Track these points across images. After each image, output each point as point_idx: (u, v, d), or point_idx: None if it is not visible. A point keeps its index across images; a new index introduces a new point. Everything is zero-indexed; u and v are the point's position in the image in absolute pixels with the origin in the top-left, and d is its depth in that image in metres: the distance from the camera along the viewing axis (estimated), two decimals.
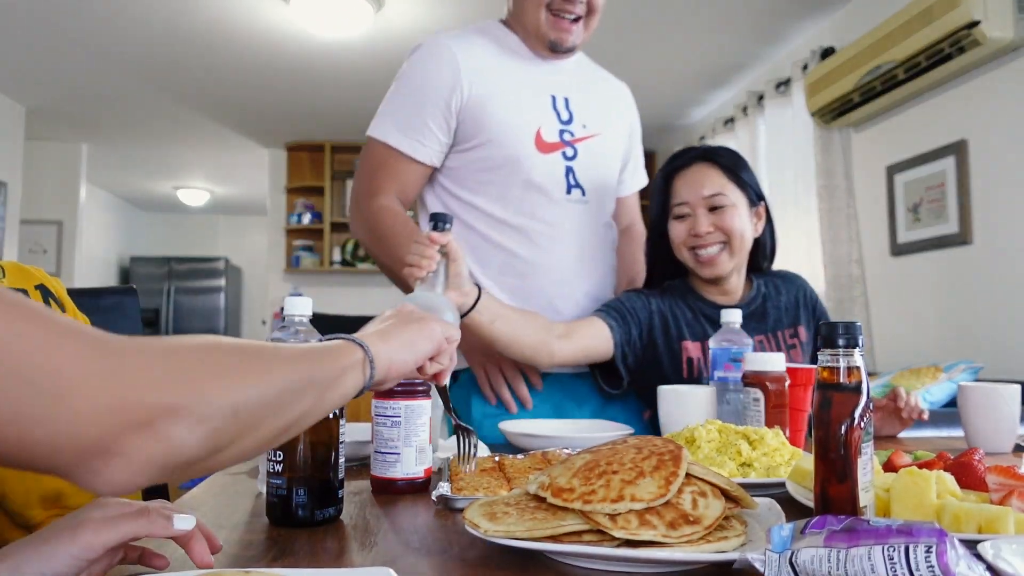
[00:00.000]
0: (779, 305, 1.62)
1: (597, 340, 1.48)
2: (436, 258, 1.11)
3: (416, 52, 1.56)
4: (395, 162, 1.52)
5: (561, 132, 1.57)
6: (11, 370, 0.41)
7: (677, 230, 1.55)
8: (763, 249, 1.62)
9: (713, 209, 1.51)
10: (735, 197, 1.53)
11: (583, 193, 1.58)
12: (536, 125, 1.55)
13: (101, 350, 0.44)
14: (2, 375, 0.41)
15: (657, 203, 1.60)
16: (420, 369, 0.83)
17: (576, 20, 1.55)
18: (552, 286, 1.56)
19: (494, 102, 1.51)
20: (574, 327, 1.45)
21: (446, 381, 0.89)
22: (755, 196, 1.57)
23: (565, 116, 1.59)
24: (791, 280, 1.67)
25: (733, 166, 1.55)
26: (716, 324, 1.45)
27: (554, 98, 1.59)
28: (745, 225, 1.53)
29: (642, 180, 1.85)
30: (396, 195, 1.52)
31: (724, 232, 1.51)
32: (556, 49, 1.57)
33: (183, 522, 0.61)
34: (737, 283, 1.60)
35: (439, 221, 1.13)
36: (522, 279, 1.54)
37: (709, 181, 1.52)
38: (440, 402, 1.01)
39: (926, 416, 1.46)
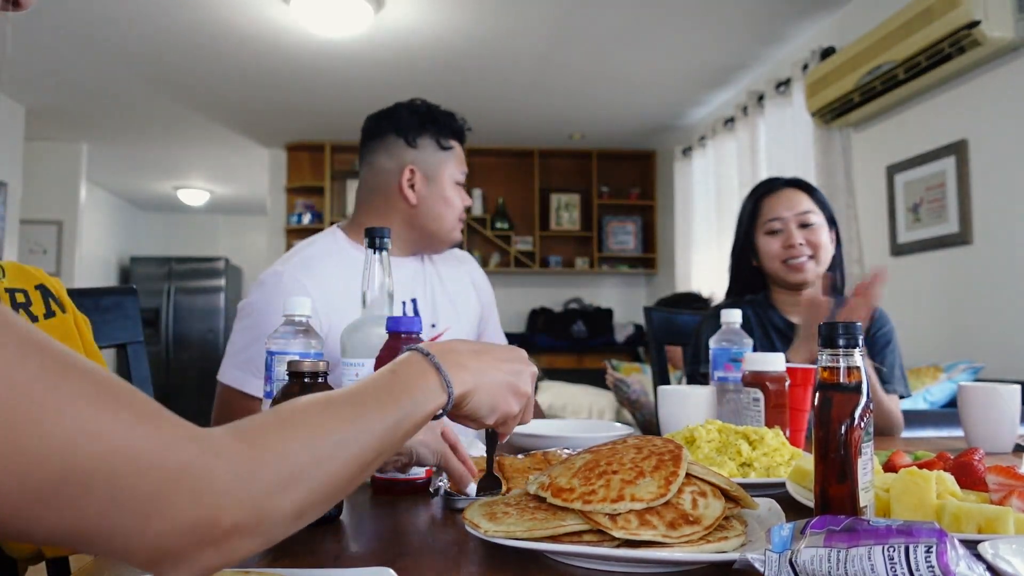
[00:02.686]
0: None
1: None
2: None
3: (259, 287, 1.52)
4: (237, 400, 1.45)
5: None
6: (111, 488, 0.43)
7: (771, 244, 1.76)
8: (834, 270, 1.80)
9: (803, 226, 1.73)
10: (819, 218, 1.75)
11: None
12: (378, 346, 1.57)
13: (187, 463, 0.46)
14: (100, 495, 0.42)
15: (745, 221, 1.82)
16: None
17: None
18: None
19: (338, 332, 1.47)
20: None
21: (507, 437, 0.82)
22: (831, 220, 1.78)
23: None
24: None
25: (814, 191, 1.80)
26: (783, 335, 1.69)
27: (403, 305, 1.59)
28: (828, 243, 1.74)
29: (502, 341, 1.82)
30: None
31: (812, 246, 1.73)
32: (455, 247, 1.73)
33: (470, 490, 0.87)
34: None
35: (375, 236, 1.11)
36: None
37: (799, 202, 1.76)
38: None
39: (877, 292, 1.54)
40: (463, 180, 1.65)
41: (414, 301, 1.62)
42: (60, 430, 0.41)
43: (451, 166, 1.63)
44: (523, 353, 0.78)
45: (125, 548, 0.45)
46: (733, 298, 1.87)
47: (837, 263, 1.81)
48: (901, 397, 1.70)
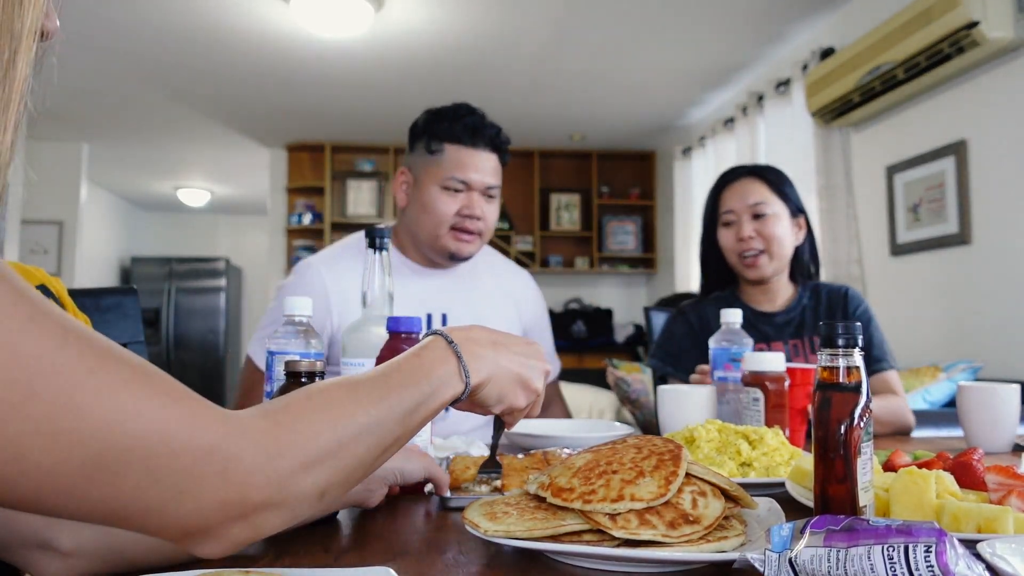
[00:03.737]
0: (818, 314, 1.73)
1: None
2: None
3: (293, 273, 1.63)
4: (251, 371, 1.55)
5: None
6: (146, 468, 0.45)
7: (726, 237, 1.73)
8: (802, 257, 1.76)
9: (756, 217, 1.69)
10: (777, 208, 1.71)
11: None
12: None
13: (216, 443, 0.48)
14: (135, 474, 0.45)
15: (707, 213, 1.79)
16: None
17: (477, 234, 1.62)
18: None
19: None
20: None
21: (512, 427, 0.84)
22: (796, 209, 1.74)
23: None
24: (837, 292, 1.76)
25: (776, 180, 1.74)
26: (751, 325, 1.65)
27: (430, 316, 1.59)
28: (785, 233, 1.70)
29: (555, 368, 1.78)
30: None
31: (764, 238, 1.68)
32: (455, 259, 1.63)
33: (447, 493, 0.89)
34: (779, 289, 1.75)
35: (375, 236, 1.12)
36: None
37: (753, 192, 1.71)
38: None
39: None
40: (458, 186, 1.58)
41: (444, 316, 1.61)
42: (100, 412, 0.43)
43: (437, 170, 1.59)
44: (540, 349, 0.80)
45: (159, 524, 0.47)
46: (704, 295, 1.84)
47: (807, 250, 1.77)
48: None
